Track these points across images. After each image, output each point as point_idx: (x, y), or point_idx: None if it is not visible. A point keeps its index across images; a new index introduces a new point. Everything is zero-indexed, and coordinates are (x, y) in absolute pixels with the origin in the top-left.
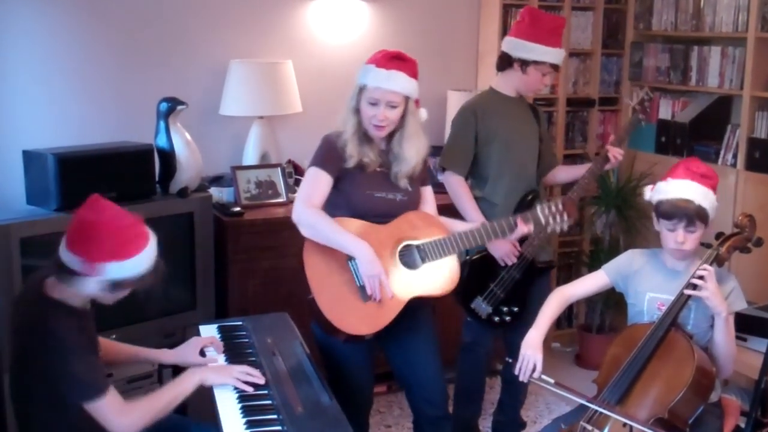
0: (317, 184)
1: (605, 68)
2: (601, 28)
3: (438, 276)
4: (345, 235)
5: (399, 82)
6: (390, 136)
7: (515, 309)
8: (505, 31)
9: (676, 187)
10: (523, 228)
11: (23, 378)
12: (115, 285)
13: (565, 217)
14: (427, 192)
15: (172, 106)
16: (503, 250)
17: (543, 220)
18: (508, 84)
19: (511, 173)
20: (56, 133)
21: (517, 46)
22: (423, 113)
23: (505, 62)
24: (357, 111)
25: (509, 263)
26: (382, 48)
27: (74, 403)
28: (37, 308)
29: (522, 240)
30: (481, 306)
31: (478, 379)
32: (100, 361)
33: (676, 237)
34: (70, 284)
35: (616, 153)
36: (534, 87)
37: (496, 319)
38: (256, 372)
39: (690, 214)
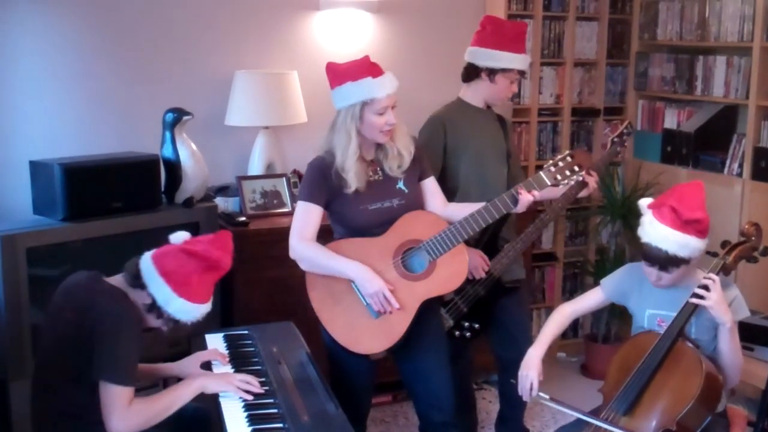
0: (307, 217)
1: (610, 78)
2: (606, 38)
3: (444, 273)
4: (339, 260)
5: (393, 82)
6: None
7: (476, 325)
8: None
9: (656, 233)
10: (527, 196)
11: (53, 360)
12: (172, 321)
13: (577, 168)
14: (430, 184)
15: (177, 116)
16: (473, 263)
17: (549, 181)
18: (476, 95)
19: (480, 187)
20: (63, 144)
21: (482, 56)
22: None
23: (471, 73)
24: (356, 134)
25: (477, 276)
26: (387, 59)
27: (94, 380)
28: (107, 294)
29: (492, 254)
30: (444, 317)
31: (465, 391)
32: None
33: (651, 276)
34: (135, 292)
35: (593, 181)
36: (502, 95)
37: (457, 333)
38: (255, 380)
39: (662, 262)
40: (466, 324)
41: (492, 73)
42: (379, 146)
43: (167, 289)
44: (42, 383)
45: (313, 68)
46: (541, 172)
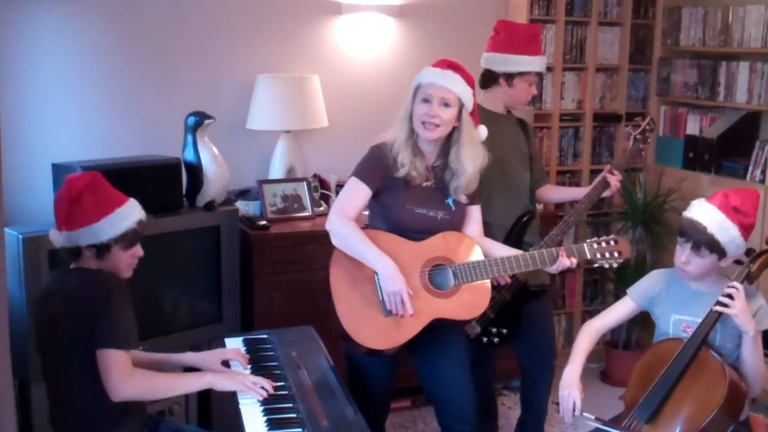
0: (355, 195)
1: (632, 84)
2: (629, 43)
3: (464, 301)
4: (371, 249)
5: (454, 82)
6: (446, 151)
7: (504, 331)
8: None
9: (702, 210)
10: (565, 261)
11: (55, 343)
12: (100, 249)
13: (617, 254)
14: (474, 211)
15: (199, 120)
16: None
17: (589, 255)
18: (496, 100)
19: (504, 192)
20: (85, 147)
21: (499, 61)
22: (483, 130)
23: (489, 79)
24: (410, 119)
25: (503, 283)
26: (409, 63)
27: (96, 345)
28: (81, 273)
29: None
30: (470, 325)
31: (486, 398)
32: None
33: (681, 255)
34: (88, 260)
35: (616, 180)
36: (522, 98)
37: (485, 339)
38: (266, 382)
39: (698, 239)
40: (494, 330)
41: (509, 77)
42: (446, 164)
43: (90, 229)
44: (53, 384)
45: (334, 72)
46: (584, 245)
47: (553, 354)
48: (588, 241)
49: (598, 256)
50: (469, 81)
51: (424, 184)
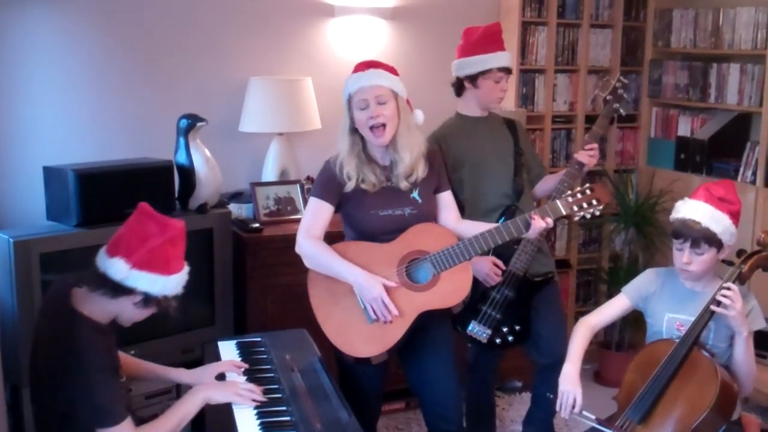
0: (316, 215)
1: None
2: (620, 45)
3: (447, 288)
4: (341, 264)
5: (379, 77)
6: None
7: (517, 327)
8: (524, 48)
9: (690, 207)
10: (540, 223)
11: (41, 391)
12: (147, 300)
13: (595, 202)
14: (445, 197)
15: (191, 122)
16: (483, 271)
17: (565, 211)
18: (470, 105)
19: (486, 194)
20: (76, 149)
21: (460, 66)
22: (418, 114)
23: (458, 86)
24: (352, 130)
25: (492, 283)
26: (401, 65)
27: (87, 426)
28: (64, 323)
29: (506, 257)
30: (478, 330)
31: (486, 398)
32: (121, 385)
33: (682, 257)
34: (101, 295)
35: (584, 156)
36: (493, 96)
37: (498, 341)
38: (258, 389)
39: (695, 236)
40: (505, 329)
41: (472, 79)
42: (390, 154)
43: (150, 276)
44: (36, 384)
45: (327, 75)
46: (557, 201)
47: (563, 347)
48: (562, 196)
49: (575, 208)
50: (392, 71)
51: (384, 185)
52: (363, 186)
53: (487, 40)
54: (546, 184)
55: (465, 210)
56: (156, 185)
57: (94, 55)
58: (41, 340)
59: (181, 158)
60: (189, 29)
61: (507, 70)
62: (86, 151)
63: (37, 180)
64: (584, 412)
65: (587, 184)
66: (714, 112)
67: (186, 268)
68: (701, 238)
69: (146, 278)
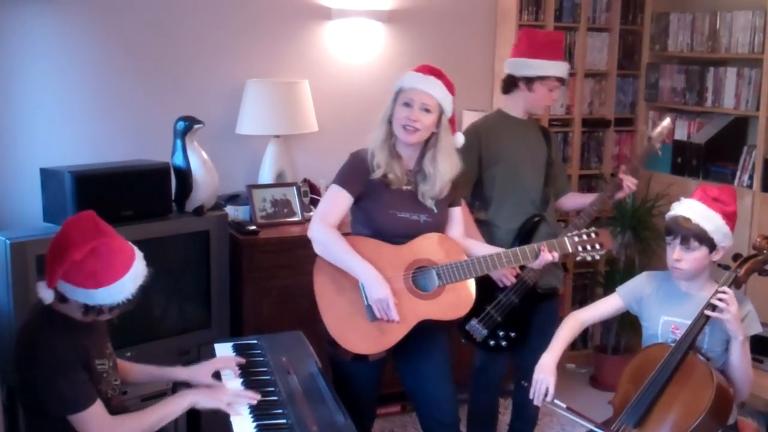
0: (336, 202)
1: (621, 89)
2: (617, 49)
3: (449, 301)
4: (353, 257)
5: (435, 88)
6: (421, 155)
7: (512, 334)
8: None
9: (683, 206)
10: (547, 256)
11: (19, 386)
12: (88, 309)
13: (598, 246)
14: (456, 213)
15: (188, 124)
16: (499, 272)
17: (571, 249)
18: (517, 105)
19: (515, 196)
20: (73, 151)
21: (519, 65)
22: (459, 137)
23: (509, 84)
24: (389, 122)
25: (507, 283)
26: (398, 68)
27: (56, 414)
28: (32, 317)
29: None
30: (476, 328)
31: (490, 403)
32: (97, 375)
33: (673, 254)
34: (65, 306)
35: (630, 182)
36: (542, 103)
37: (491, 342)
38: (248, 393)
39: (685, 233)
40: (501, 333)
41: (529, 81)
42: (420, 168)
43: (84, 291)
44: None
45: (324, 77)
46: (565, 238)
47: None
48: (569, 234)
49: (580, 249)
50: (450, 88)
51: (405, 187)
52: (389, 177)
53: (551, 46)
54: (572, 200)
55: (491, 207)
56: (153, 187)
57: (91, 57)
58: (17, 340)
59: (178, 160)
60: (186, 32)
61: (563, 81)
62: (83, 153)
63: (33, 181)
64: (556, 401)
65: (593, 228)
66: (711, 116)
67: (131, 274)
68: (691, 235)
69: (75, 291)
